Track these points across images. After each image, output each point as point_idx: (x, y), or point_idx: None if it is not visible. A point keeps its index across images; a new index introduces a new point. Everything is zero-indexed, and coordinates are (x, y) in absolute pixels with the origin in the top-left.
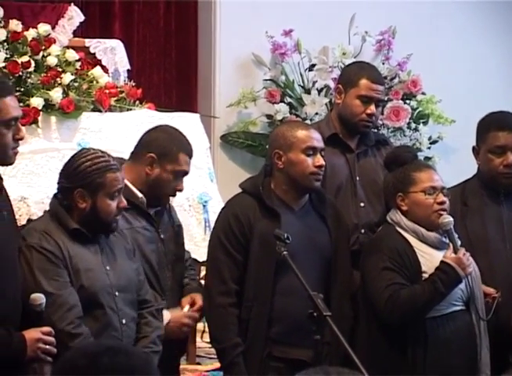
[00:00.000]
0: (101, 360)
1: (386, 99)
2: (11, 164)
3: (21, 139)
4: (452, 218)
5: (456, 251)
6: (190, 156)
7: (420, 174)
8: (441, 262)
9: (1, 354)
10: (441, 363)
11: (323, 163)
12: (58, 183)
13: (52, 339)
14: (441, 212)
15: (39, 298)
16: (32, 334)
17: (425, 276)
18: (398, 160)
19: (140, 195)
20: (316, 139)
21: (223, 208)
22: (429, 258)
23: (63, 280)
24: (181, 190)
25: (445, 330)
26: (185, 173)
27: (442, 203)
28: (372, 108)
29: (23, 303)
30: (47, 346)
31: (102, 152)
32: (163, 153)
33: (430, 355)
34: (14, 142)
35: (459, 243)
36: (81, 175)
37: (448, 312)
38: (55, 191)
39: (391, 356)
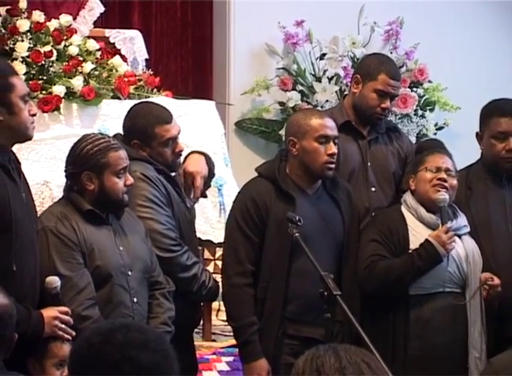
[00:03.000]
0: (115, 336)
1: None
2: (31, 138)
3: (35, 114)
4: (447, 196)
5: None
6: (167, 122)
7: (429, 156)
8: (425, 239)
9: (21, 330)
10: (423, 340)
11: (335, 151)
12: (65, 171)
13: (68, 318)
14: (439, 188)
15: (55, 281)
16: (49, 312)
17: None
18: (418, 150)
19: (165, 169)
20: (330, 128)
21: (240, 192)
22: (419, 238)
23: (76, 262)
24: (181, 151)
25: (428, 309)
26: (174, 138)
27: (441, 179)
28: (387, 103)
29: (41, 284)
30: (63, 325)
31: (102, 134)
32: (143, 136)
33: (412, 331)
34: (31, 117)
35: (453, 224)
36: (85, 158)
37: (434, 292)
38: (65, 179)
39: (375, 328)
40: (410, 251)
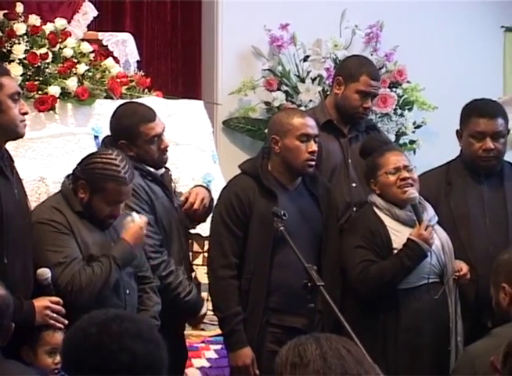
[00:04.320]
0: (110, 327)
1: None
2: (22, 136)
3: (26, 113)
4: (417, 194)
5: (420, 224)
6: (151, 120)
7: (383, 158)
8: (408, 238)
9: (13, 319)
10: (410, 331)
11: (315, 149)
12: (75, 165)
13: (59, 308)
14: (405, 188)
15: (45, 272)
16: (41, 301)
17: (396, 252)
18: (366, 149)
19: (152, 170)
20: (310, 127)
21: (224, 188)
22: (400, 236)
23: (70, 247)
24: (166, 147)
25: (416, 301)
26: (159, 135)
27: (405, 179)
28: (368, 103)
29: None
30: (54, 314)
31: (122, 160)
32: (129, 135)
33: (402, 323)
34: (21, 116)
35: (426, 218)
36: (88, 171)
37: (419, 285)
38: (70, 172)
39: (364, 322)
40: (396, 252)
